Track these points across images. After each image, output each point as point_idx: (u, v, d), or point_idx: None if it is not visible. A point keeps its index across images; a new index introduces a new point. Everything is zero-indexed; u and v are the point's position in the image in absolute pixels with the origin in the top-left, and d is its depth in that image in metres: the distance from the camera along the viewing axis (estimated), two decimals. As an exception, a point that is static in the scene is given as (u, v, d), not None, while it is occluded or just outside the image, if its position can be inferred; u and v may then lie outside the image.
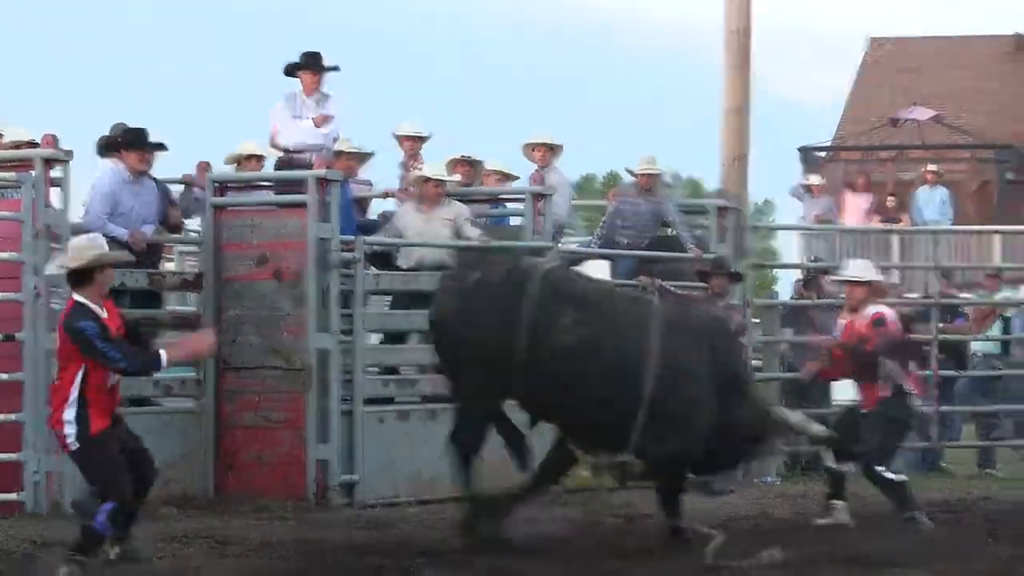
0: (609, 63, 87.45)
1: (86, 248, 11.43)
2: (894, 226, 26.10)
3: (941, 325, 19.38)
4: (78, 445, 11.21)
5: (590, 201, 29.60)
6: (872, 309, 14.32)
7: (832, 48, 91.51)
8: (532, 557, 11.95)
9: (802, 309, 19.59)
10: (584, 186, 44.58)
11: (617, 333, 12.57)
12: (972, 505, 15.85)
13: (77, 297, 11.24)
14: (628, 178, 19.77)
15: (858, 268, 14.86)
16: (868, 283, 14.48)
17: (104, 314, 11.14)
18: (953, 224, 28.10)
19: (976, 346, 20.34)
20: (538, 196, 17.92)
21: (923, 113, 33.97)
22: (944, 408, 19.26)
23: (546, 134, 19.08)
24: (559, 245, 18.27)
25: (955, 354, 19.69)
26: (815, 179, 27.88)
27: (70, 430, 11.18)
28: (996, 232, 27.59)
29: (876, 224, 26.48)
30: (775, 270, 25.45)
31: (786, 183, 29.76)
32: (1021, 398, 19.80)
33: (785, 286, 21.88)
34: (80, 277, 11.24)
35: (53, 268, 11.85)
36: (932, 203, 28.14)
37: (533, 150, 19.00)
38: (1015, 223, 29.02)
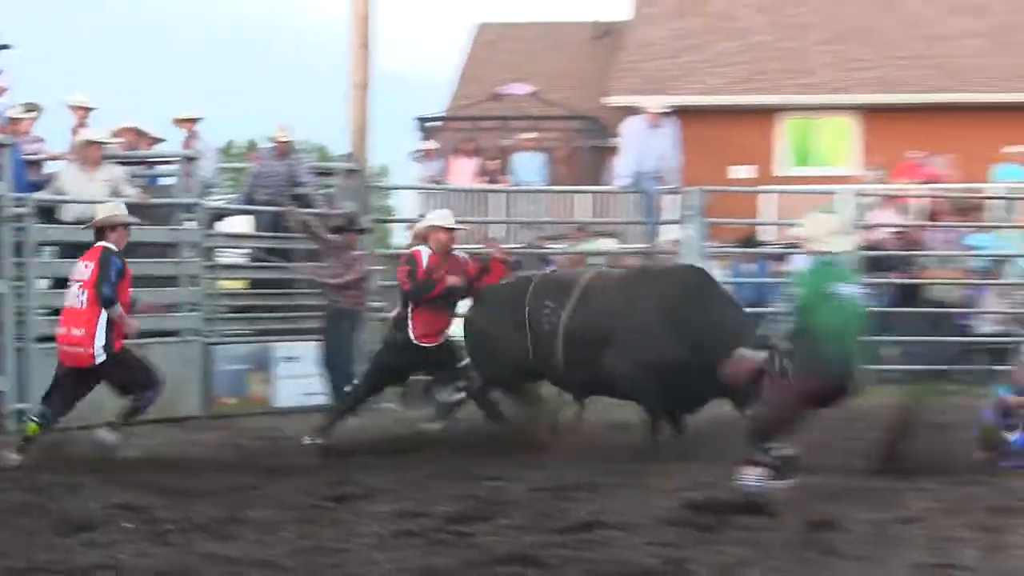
0: (251, 44, 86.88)
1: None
2: (497, 186, 27.49)
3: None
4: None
5: (233, 164, 29.89)
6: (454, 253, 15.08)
7: (445, 30, 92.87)
8: (185, 473, 12.66)
9: None
10: (227, 150, 44.55)
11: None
12: (564, 427, 15.47)
13: None
14: (266, 144, 20.54)
15: (440, 216, 15.51)
16: (450, 229, 15.17)
17: None
18: (548, 184, 29.66)
19: None
20: (188, 159, 18.95)
21: (522, 89, 35.02)
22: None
23: (191, 110, 20.17)
24: (206, 201, 19.27)
25: None
26: (429, 145, 29.21)
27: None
28: (583, 191, 28.74)
29: (482, 184, 27.83)
30: (394, 224, 26.42)
31: (404, 148, 31.02)
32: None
33: (402, 238, 22.49)
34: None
35: None
36: (530, 166, 29.65)
37: (182, 122, 20.07)
38: (598, 184, 30.35)
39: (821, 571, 8.56)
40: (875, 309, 21.16)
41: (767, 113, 34.76)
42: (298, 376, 18.73)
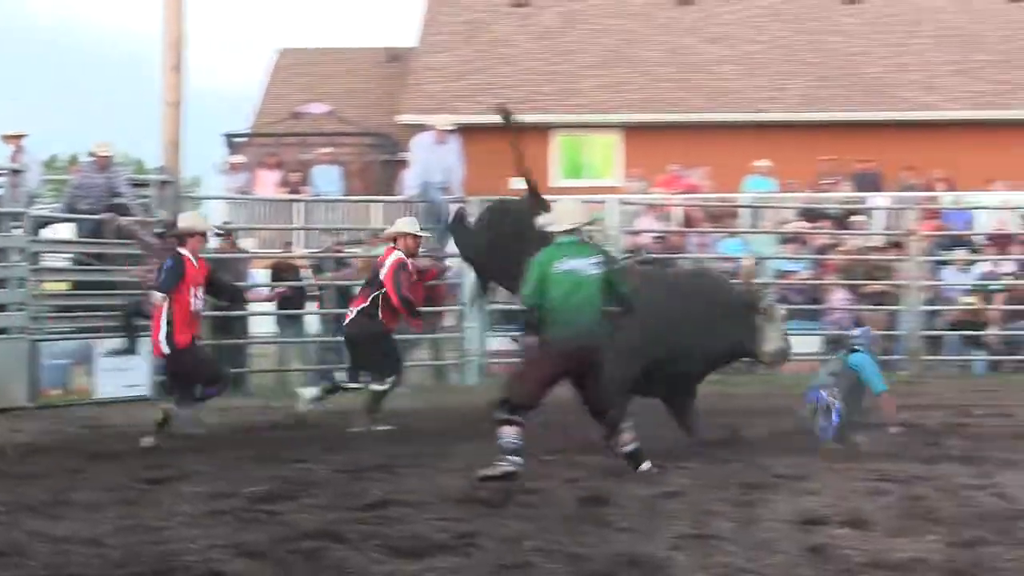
0: (76, 66, 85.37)
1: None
2: (298, 196, 27.36)
3: (334, 274, 20.55)
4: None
5: (57, 176, 29.41)
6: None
7: (252, 53, 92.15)
8: (13, 458, 12.66)
9: (227, 260, 20.16)
10: (51, 164, 43.76)
11: None
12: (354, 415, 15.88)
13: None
14: (87, 158, 20.04)
15: (409, 223, 15.80)
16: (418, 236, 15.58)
17: None
18: (344, 195, 29.62)
19: None
20: (14, 172, 18.70)
21: (320, 108, 34.89)
22: (338, 338, 18.78)
23: (17, 127, 19.76)
24: (32, 210, 18.92)
25: (345, 296, 19.99)
26: (236, 159, 28.98)
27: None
28: (376, 201, 28.72)
29: (284, 195, 27.68)
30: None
31: (212, 162, 30.79)
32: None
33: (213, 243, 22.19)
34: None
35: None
36: (327, 178, 29.60)
37: (9, 139, 19.71)
38: (389, 194, 30.38)
39: (595, 541, 8.64)
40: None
41: (542, 130, 35.01)
42: (118, 369, 18.46)
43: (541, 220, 12.35)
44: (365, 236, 22.79)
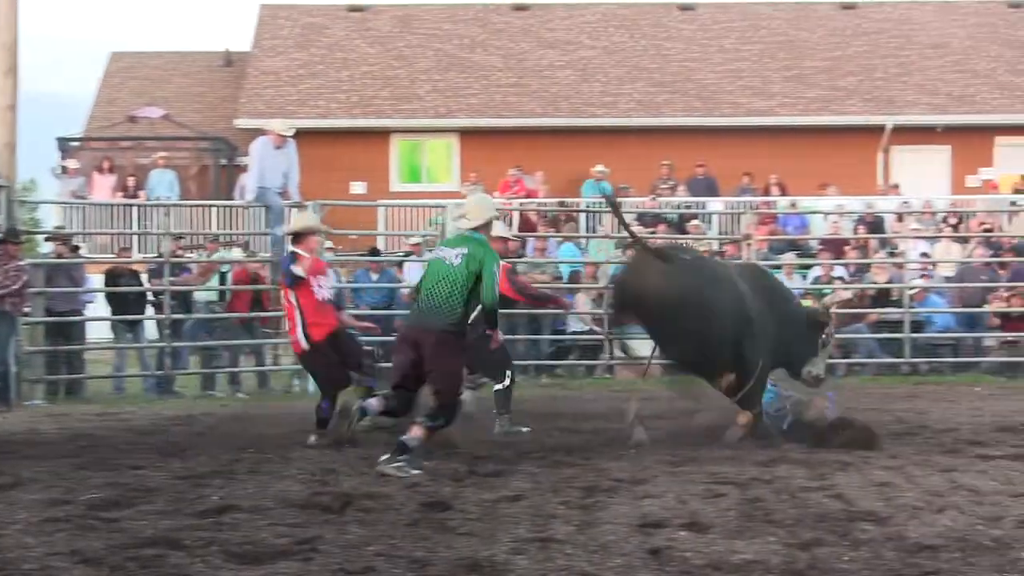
0: None
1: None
2: (134, 201, 27.04)
3: (172, 279, 20.18)
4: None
5: None
6: None
7: (85, 56, 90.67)
8: None
9: (61, 266, 20.01)
10: None
11: None
12: (198, 419, 16.29)
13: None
14: None
15: (501, 228, 15.22)
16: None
17: None
18: (180, 199, 29.32)
19: (199, 295, 20.93)
20: None
21: (155, 112, 34.55)
22: (176, 343, 20.01)
23: None
24: None
25: (183, 300, 20.65)
26: (71, 163, 28.53)
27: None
28: (213, 205, 28.54)
29: (119, 199, 27.33)
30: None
31: (48, 165, 30.28)
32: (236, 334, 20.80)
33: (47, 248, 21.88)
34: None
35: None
36: (163, 183, 29.30)
37: None
38: (227, 199, 30.20)
39: (435, 546, 8.61)
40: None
41: (380, 135, 35.02)
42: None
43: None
44: (204, 241, 22.59)
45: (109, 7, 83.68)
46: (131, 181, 28.38)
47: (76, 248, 21.55)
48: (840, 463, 11.82)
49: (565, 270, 24.10)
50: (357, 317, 21.92)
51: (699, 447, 12.97)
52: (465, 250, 11.83)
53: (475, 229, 12.04)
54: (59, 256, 20.18)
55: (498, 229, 14.36)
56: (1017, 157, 34.09)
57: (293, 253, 14.01)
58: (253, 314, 20.75)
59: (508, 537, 8.84)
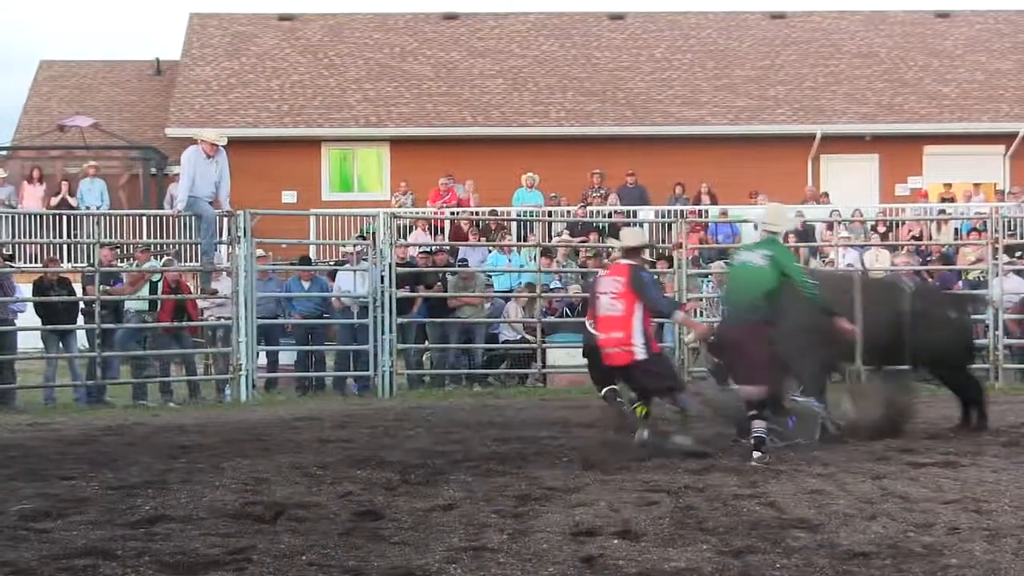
0: None
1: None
2: (63, 210, 26.86)
3: (105, 288, 19.92)
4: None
5: None
6: None
7: (11, 64, 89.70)
8: None
9: None
10: None
11: None
12: (129, 429, 16.06)
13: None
14: None
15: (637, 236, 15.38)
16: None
17: None
18: (110, 208, 29.14)
19: (130, 304, 20.60)
20: None
21: (85, 121, 34.26)
22: (106, 353, 19.76)
23: None
24: None
25: (114, 310, 20.32)
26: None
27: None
28: (144, 214, 28.36)
29: (49, 208, 27.15)
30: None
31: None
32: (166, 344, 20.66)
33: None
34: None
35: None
36: (94, 191, 29.12)
37: None
38: (160, 208, 30.04)
39: (368, 555, 8.60)
40: (410, 320, 21.63)
41: (311, 144, 34.96)
42: None
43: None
44: (135, 250, 22.33)
45: (38, 15, 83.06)
46: (60, 189, 28.22)
47: (11, 257, 21.30)
48: (772, 471, 11.89)
49: (503, 280, 24.19)
50: (286, 327, 22.04)
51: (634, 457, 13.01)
52: (769, 252, 13.25)
53: (774, 233, 13.63)
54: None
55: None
56: (945, 166, 34.44)
57: (636, 267, 13.74)
58: (183, 324, 20.63)
59: (441, 546, 8.84)
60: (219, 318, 21.24)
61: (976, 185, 32.13)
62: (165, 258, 22.44)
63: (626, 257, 13.77)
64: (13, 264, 22.82)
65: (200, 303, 21.16)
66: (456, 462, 12.66)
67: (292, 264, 23.61)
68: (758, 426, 12.71)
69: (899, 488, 10.92)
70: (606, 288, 13.56)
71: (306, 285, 22.32)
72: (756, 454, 12.54)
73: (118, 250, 23.32)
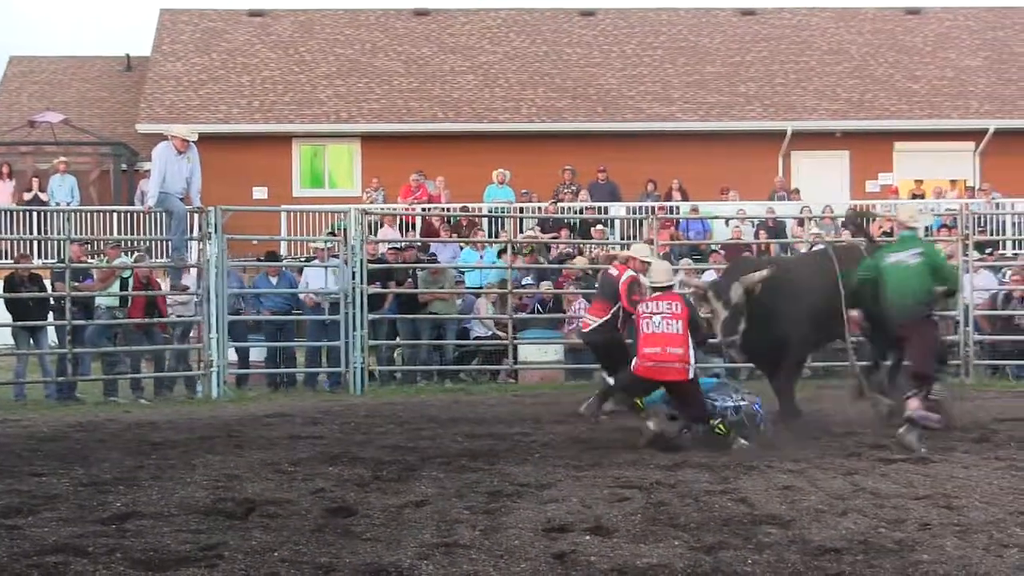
0: None
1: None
2: (33, 206, 26.75)
3: (75, 284, 19.87)
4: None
5: None
6: None
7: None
8: None
9: None
10: None
11: None
12: (100, 426, 15.92)
13: None
14: None
15: (639, 251, 16.99)
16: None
17: None
18: (81, 204, 29.02)
19: (100, 300, 20.51)
20: None
21: (55, 116, 34.13)
22: (76, 350, 19.58)
23: None
24: None
25: (84, 307, 20.28)
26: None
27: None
28: (115, 211, 28.30)
29: (20, 205, 27.06)
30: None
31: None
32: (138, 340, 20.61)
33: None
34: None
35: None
36: (64, 188, 29.00)
37: None
38: (128, 204, 29.99)
39: (339, 551, 8.59)
40: (381, 316, 21.59)
41: (282, 139, 34.91)
42: None
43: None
44: (104, 246, 22.31)
45: (6, 10, 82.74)
46: (30, 186, 28.13)
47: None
48: (743, 467, 11.92)
49: (474, 276, 24.18)
50: (257, 324, 22.01)
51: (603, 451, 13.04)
52: (919, 250, 14.31)
53: (912, 229, 14.75)
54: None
55: (638, 253, 16.77)
56: (915, 162, 34.58)
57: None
58: (153, 320, 20.58)
59: (413, 543, 8.84)
60: (180, 316, 21.35)
61: (953, 182, 32.31)
62: (136, 254, 22.34)
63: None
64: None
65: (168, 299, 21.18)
66: (428, 458, 12.66)
67: (260, 260, 23.54)
68: (914, 406, 13.48)
69: (870, 484, 10.98)
70: (660, 309, 14.06)
71: (274, 281, 22.29)
72: (913, 434, 13.28)
73: (87, 246, 23.20)
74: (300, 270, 23.00)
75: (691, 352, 13.86)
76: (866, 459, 12.50)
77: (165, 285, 21.50)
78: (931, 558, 8.35)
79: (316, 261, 23.07)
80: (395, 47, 37.89)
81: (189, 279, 21.03)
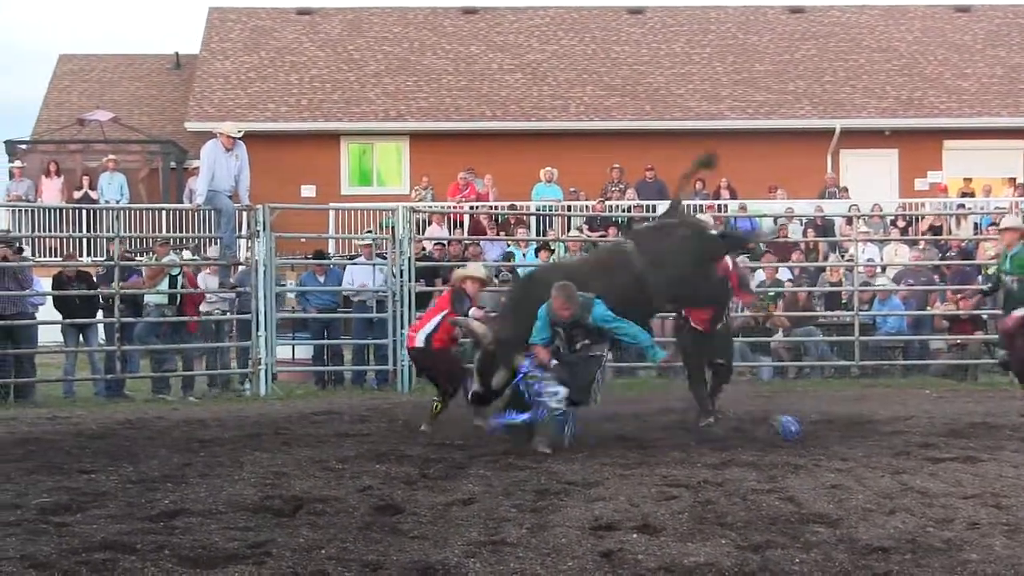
0: None
1: None
2: (83, 204, 26.91)
3: (122, 283, 19.91)
4: None
5: None
6: None
7: (31, 59, 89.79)
8: None
9: (7, 270, 19.62)
10: None
11: None
12: (149, 423, 15.89)
13: None
14: None
15: None
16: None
17: None
18: (130, 202, 29.20)
19: (149, 298, 20.58)
20: None
21: (104, 115, 34.38)
22: (126, 347, 19.70)
23: None
24: None
25: (133, 304, 20.43)
26: (17, 166, 28.43)
27: None
28: (163, 208, 28.46)
29: (67, 203, 27.21)
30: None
31: (-6, 170, 30.16)
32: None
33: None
34: None
35: None
36: (113, 186, 29.18)
37: None
38: (177, 202, 30.13)
39: (386, 549, 8.60)
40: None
41: (330, 138, 34.99)
42: None
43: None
44: (153, 244, 22.38)
45: (57, 9, 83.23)
46: (80, 184, 28.29)
47: (20, 251, 21.31)
48: (791, 465, 11.87)
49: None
50: (305, 321, 22.06)
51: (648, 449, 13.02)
52: None
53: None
54: (3, 259, 19.76)
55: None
56: (964, 160, 34.38)
57: None
58: (203, 318, 20.67)
59: (460, 540, 8.84)
60: (210, 312, 21.56)
61: (1011, 180, 32.21)
62: (186, 252, 22.47)
63: None
64: (31, 258, 22.79)
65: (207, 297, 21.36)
66: (475, 456, 12.66)
67: (307, 259, 23.62)
68: None
69: (918, 483, 10.90)
70: None
71: (321, 279, 22.35)
72: None
73: (128, 244, 23.35)
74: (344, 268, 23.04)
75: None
76: (914, 458, 12.41)
77: (201, 282, 21.59)
78: (979, 557, 8.29)
79: (361, 259, 23.09)
80: (443, 45, 37.94)
81: (235, 277, 21.11)
